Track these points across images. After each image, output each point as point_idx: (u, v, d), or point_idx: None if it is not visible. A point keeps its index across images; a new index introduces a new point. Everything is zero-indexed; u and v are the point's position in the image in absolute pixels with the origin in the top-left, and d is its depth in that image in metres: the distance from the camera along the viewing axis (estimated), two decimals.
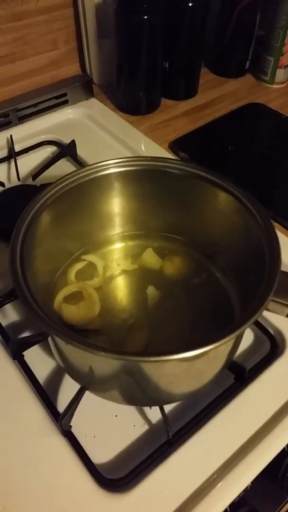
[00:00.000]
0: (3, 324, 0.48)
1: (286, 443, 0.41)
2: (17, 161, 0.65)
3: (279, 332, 0.48)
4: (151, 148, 0.69)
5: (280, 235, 0.40)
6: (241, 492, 0.39)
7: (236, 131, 0.76)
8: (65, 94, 0.74)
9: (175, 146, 0.70)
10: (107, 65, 0.77)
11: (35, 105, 0.72)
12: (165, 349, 0.32)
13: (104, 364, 0.36)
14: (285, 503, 0.50)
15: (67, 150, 0.67)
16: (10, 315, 0.49)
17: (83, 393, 0.41)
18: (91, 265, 0.50)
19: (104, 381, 0.40)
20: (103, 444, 0.41)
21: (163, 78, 0.75)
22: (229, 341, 0.33)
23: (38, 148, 0.69)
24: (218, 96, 0.82)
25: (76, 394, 0.40)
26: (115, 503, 0.37)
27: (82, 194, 0.45)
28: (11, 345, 0.44)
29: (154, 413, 0.43)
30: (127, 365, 0.35)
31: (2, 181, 0.64)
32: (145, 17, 0.66)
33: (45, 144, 0.70)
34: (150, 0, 0.65)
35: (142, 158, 0.47)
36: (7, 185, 0.64)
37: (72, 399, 0.40)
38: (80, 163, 0.66)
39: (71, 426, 0.40)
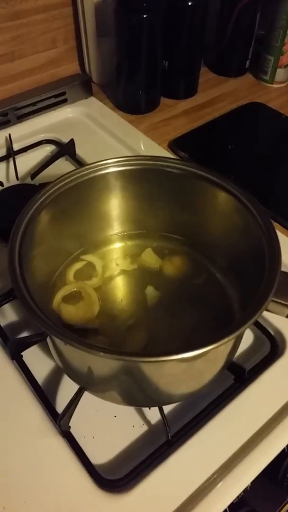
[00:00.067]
0: (2, 324, 0.48)
1: (286, 444, 0.41)
2: (16, 160, 0.65)
3: (279, 333, 0.48)
4: (151, 148, 0.69)
5: (280, 235, 0.40)
6: (241, 493, 0.38)
7: (236, 131, 0.76)
8: (64, 93, 0.74)
9: (175, 145, 0.70)
10: (106, 64, 0.77)
11: (34, 104, 0.72)
12: (165, 349, 0.32)
13: (103, 364, 0.36)
14: (285, 504, 0.50)
15: (66, 149, 0.67)
16: (8, 315, 0.49)
17: (82, 394, 0.40)
18: (90, 265, 0.49)
19: (103, 382, 0.40)
20: (102, 445, 0.41)
21: (162, 77, 0.75)
22: (228, 342, 0.32)
23: (37, 147, 0.69)
24: (218, 95, 0.82)
25: (75, 394, 0.40)
26: (114, 504, 0.37)
27: (81, 193, 0.45)
28: (10, 345, 0.44)
29: (153, 414, 0.43)
30: (126, 365, 0.35)
31: (1, 180, 0.64)
32: (145, 16, 0.66)
33: (44, 143, 0.70)
34: None
35: (141, 158, 0.47)
36: (6, 184, 0.64)
37: (71, 400, 0.40)
38: (79, 162, 0.66)
39: (70, 427, 0.40)
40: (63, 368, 0.43)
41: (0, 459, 0.39)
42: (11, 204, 0.57)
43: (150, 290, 0.48)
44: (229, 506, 0.38)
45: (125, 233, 0.52)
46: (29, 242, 0.39)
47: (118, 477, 0.38)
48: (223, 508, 0.37)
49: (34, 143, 0.69)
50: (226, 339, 0.32)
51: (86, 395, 0.41)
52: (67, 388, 0.43)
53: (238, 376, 0.43)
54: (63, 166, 0.66)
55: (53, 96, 0.73)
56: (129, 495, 0.37)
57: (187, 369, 0.37)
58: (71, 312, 0.45)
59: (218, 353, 0.38)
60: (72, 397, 0.40)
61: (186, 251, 0.51)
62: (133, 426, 0.42)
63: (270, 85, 0.85)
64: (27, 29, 0.69)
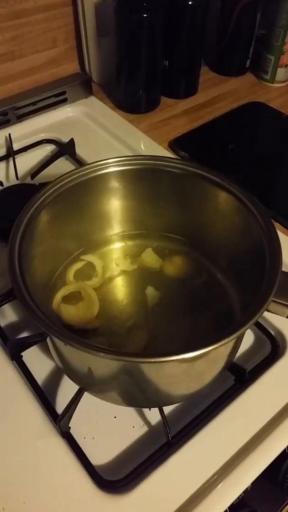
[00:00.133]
0: (2, 325, 0.48)
1: (286, 445, 0.41)
2: (16, 160, 0.65)
3: (280, 333, 0.48)
4: (151, 147, 0.69)
5: (281, 235, 0.40)
6: (241, 494, 0.38)
7: (237, 130, 0.76)
8: (64, 93, 0.74)
9: (175, 145, 0.70)
10: (106, 64, 0.77)
11: (34, 104, 0.71)
12: (165, 350, 0.32)
13: (103, 365, 0.36)
14: (286, 505, 0.50)
15: (66, 149, 0.67)
16: (8, 315, 0.49)
17: (82, 394, 0.40)
18: (90, 265, 0.49)
19: (103, 382, 0.40)
20: (102, 446, 0.41)
21: (163, 76, 0.75)
22: (229, 342, 0.32)
23: (37, 147, 0.69)
24: (218, 94, 0.81)
25: (75, 395, 0.40)
26: (114, 505, 0.37)
27: (81, 193, 0.45)
28: (10, 345, 0.44)
29: (153, 415, 0.43)
30: (126, 366, 0.35)
31: (1, 180, 0.64)
32: (145, 15, 0.66)
33: (43, 143, 0.69)
34: None
35: (141, 157, 0.47)
36: (6, 184, 0.64)
37: (70, 400, 0.40)
38: (79, 162, 0.66)
39: (69, 427, 0.40)
40: (63, 369, 0.43)
41: (0, 459, 0.39)
42: (11, 204, 0.57)
43: (150, 291, 0.48)
44: (230, 507, 0.38)
45: (125, 233, 0.52)
46: (29, 242, 0.39)
47: (118, 478, 0.38)
48: (224, 509, 0.37)
49: (34, 143, 0.69)
50: (226, 340, 0.32)
51: (86, 395, 0.41)
52: (67, 388, 0.43)
53: (238, 377, 0.43)
54: (63, 165, 0.66)
55: (53, 96, 0.73)
56: (129, 496, 0.37)
57: (188, 370, 0.37)
58: (71, 313, 0.45)
59: (218, 354, 0.38)
60: (72, 398, 0.40)
61: (187, 251, 0.50)
62: (133, 427, 0.42)
63: (270, 84, 0.85)
64: (27, 28, 0.69)
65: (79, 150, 0.67)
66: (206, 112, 0.77)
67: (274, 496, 0.47)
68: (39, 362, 0.45)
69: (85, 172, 0.45)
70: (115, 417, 0.43)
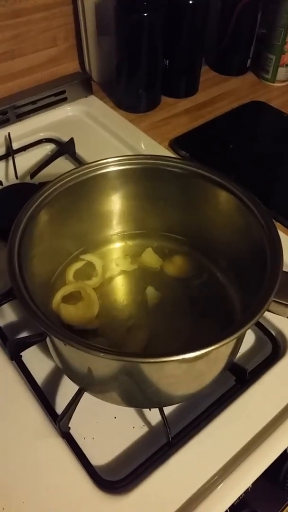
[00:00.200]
0: (1, 324, 0.48)
1: (287, 445, 0.41)
2: (15, 159, 0.65)
3: (280, 333, 0.47)
4: (151, 146, 0.69)
5: (282, 235, 0.39)
6: (242, 494, 0.38)
7: (237, 130, 0.76)
8: (64, 92, 0.74)
9: (175, 144, 0.70)
10: (106, 63, 0.77)
11: (33, 103, 0.71)
12: (165, 350, 0.32)
13: (103, 365, 0.36)
14: (286, 505, 0.49)
15: (65, 148, 0.67)
16: (8, 315, 0.49)
17: (82, 395, 0.40)
18: (90, 265, 0.49)
19: (103, 383, 0.40)
20: (102, 446, 0.41)
21: (163, 75, 0.75)
22: (230, 342, 0.32)
23: (37, 146, 0.69)
24: (219, 94, 0.81)
25: (74, 395, 0.40)
26: (114, 505, 0.37)
27: (81, 192, 0.45)
28: (9, 345, 0.44)
29: (153, 415, 0.42)
30: (126, 366, 0.35)
31: (0, 179, 0.64)
32: (145, 14, 0.65)
33: (43, 142, 0.69)
34: None
35: (142, 157, 0.47)
36: (5, 184, 0.64)
37: (70, 401, 0.40)
38: (79, 161, 0.66)
39: (69, 428, 0.40)
40: (63, 369, 0.43)
41: (0, 459, 0.39)
42: (10, 203, 0.57)
43: (150, 291, 0.47)
44: (230, 508, 0.38)
45: (125, 232, 0.52)
46: (28, 241, 0.38)
47: (118, 478, 0.38)
48: (224, 510, 0.37)
49: (34, 142, 0.69)
50: (227, 340, 0.32)
51: (86, 396, 0.41)
52: (67, 388, 0.43)
53: (239, 377, 0.43)
54: (62, 165, 0.66)
55: (53, 95, 0.73)
56: (129, 496, 0.37)
57: (188, 370, 0.37)
58: (71, 312, 0.44)
59: (219, 354, 0.38)
60: (72, 398, 0.40)
61: (187, 251, 0.50)
62: (133, 427, 0.42)
63: (271, 84, 0.85)
64: (27, 27, 0.69)
65: (79, 150, 0.67)
66: (206, 112, 0.77)
67: (274, 497, 0.47)
68: (38, 362, 0.45)
69: (85, 171, 0.44)
70: (115, 417, 0.42)
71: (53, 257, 0.47)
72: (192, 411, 0.42)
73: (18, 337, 0.46)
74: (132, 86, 0.74)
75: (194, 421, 0.41)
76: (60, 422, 0.39)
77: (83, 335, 0.43)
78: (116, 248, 0.52)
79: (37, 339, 0.44)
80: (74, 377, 0.42)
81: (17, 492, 0.37)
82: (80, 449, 0.39)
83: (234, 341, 0.35)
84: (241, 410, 0.42)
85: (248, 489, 0.38)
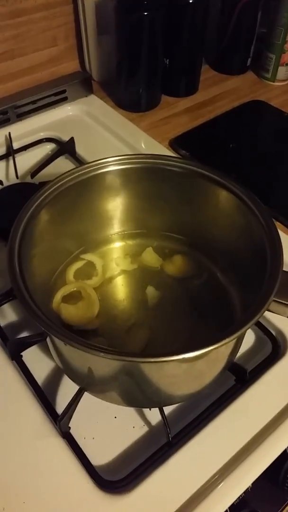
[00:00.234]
0: (1, 324, 0.48)
1: (287, 445, 0.41)
2: (16, 159, 0.65)
3: (280, 333, 0.47)
4: (151, 146, 0.69)
5: (282, 235, 0.39)
6: (242, 494, 0.38)
7: (237, 129, 0.76)
8: (64, 91, 0.74)
9: (176, 143, 0.70)
10: (106, 62, 0.77)
11: (34, 102, 0.71)
12: (165, 350, 0.32)
13: (103, 365, 0.36)
14: (286, 505, 0.49)
15: (66, 148, 0.66)
16: (8, 315, 0.49)
17: (82, 394, 0.40)
18: (90, 265, 0.49)
19: (103, 382, 0.40)
20: (102, 446, 0.41)
21: (163, 75, 0.75)
22: (230, 342, 0.32)
23: (37, 146, 0.69)
24: (219, 93, 0.81)
25: (75, 395, 0.40)
26: (114, 505, 0.37)
27: (81, 192, 0.45)
28: (9, 345, 0.44)
29: (154, 415, 0.42)
30: (127, 366, 0.35)
31: (0, 179, 0.64)
32: (145, 13, 0.65)
33: (43, 142, 0.69)
34: None
35: (142, 156, 0.47)
36: (5, 183, 0.64)
37: (70, 400, 0.40)
38: (79, 161, 0.66)
39: (70, 428, 0.40)
40: (63, 369, 0.43)
41: (0, 459, 0.39)
42: (10, 203, 0.57)
43: (150, 290, 0.47)
44: (230, 508, 0.38)
45: (125, 232, 0.52)
46: (28, 241, 0.38)
47: (118, 478, 0.38)
48: (224, 509, 0.37)
49: (34, 142, 0.69)
50: (227, 340, 0.32)
51: (86, 395, 0.41)
52: (67, 388, 0.43)
53: (239, 377, 0.43)
54: (63, 164, 0.66)
55: (53, 94, 0.73)
56: (129, 496, 0.37)
57: (188, 370, 0.37)
58: (71, 312, 0.44)
59: (219, 354, 0.38)
60: (72, 398, 0.40)
61: (187, 251, 0.50)
62: (134, 427, 0.42)
63: (271, 83, 0.85)
64: (27, 27, 0.69)
65: (79, 149, 0.67)
66: (207, 111, 0.77)
67: (274, 497, 0.47)
68: (39, 362, 0.45)
69: (85, 171, 0.44)
70: (115, 417, 0.42)
71: (54, 257, 0.47)
72: (192, 411, 0.42)
73: (18, 337, 0.46)
74: (132, 86, 0.74)
75: (194, 421, 0.41)
76: (60, 422, 0.39)
77: (83, 335, 0.43)
78: (116, 247, 0.52)
79: (37, 339, 0.44)
80: (74, 377, 0.42)
81: (17, 492, 0.37)
82: (80, 449, 0.39)
83: (234, 341, 0.35)
84: (241, 410, 0.42)
85: (248, 488, 0.38)
